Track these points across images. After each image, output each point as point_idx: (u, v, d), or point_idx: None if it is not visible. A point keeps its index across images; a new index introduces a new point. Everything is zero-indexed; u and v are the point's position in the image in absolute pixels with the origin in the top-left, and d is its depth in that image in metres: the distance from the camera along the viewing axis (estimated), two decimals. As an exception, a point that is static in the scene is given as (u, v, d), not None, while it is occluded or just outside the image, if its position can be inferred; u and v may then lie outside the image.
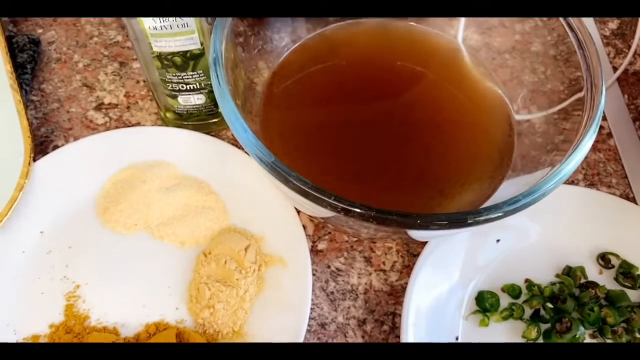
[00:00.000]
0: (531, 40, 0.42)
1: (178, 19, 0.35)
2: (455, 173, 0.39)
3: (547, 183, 0.30)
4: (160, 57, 0.38)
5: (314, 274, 0.41)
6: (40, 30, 0.51)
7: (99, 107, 0.48)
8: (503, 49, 0.44)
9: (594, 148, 0.48)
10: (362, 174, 0.39)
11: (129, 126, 0.47)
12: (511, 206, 0.29)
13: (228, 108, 0.31)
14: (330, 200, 0.28)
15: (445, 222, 0.28)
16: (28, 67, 0.48)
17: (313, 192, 0.29)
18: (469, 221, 0.28)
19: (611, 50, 0.54)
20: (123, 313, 0.38)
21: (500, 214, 0.29)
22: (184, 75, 0.39)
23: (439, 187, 0.39)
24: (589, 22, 0.55)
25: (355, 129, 0.41)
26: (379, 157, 0.40)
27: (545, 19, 0.40)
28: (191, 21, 0.35)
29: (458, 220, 0.28)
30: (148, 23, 0.35)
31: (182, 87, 0.40)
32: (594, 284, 0.40)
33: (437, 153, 0.40)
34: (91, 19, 0.52)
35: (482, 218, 0.29)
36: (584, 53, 0.36)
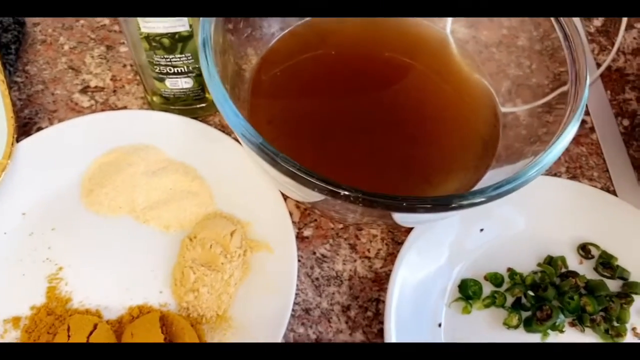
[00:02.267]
0: (517, 35, 0.43)
1: (167, -1, 0.35)
2: (441, 161, 0.40)
3: (530, 170, 0.31)
4: (148, 38, 0.37)
5: (299, 260, 0.41)
6: (25, 11, 0.50)
7: (84, 90, 0.47)
8: (490, 43, 0.44)
9: (577, 142, 0.49)
10: (349, 162, 0.39)
11: (115, 110, 0.46)
12: (495, 191, 0.30)
13: (216, 89, 0.31)
14: (318, 182, 0.28)
15: (430, 205, 0.28)
16: (12, 48, 0.47)
17: (301, 174, 0.29)
18: (453, 205, 0.29)
19: (595, 47, 0.55)
20: (106, 296, 0.38)
21: (483, 199, 0.30)
22: (172, 58, 0.39)
23: (425, 174, 0.39)
24: (574, 19, 0.56)
25: (343, 118, 0.41)
26: (365, 145, 0.40)
27: (532, 13, 0.40)
28: None
29: (442, 204, 0.29)
30: (137, 3, 0.35)
31: (170, 70, 0.40)
32: (574, 274, 0.41)
33: (423, 142, 0.41)
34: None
35: (466, 202, 0.29)
36: (570, 45, 0.37)
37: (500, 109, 0.42)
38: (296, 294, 0.40)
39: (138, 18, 0.36)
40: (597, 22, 0.56)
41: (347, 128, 0.41)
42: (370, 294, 0.41)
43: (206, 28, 0.33)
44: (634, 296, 0.40)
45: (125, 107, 0.47)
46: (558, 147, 0.32)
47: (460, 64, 0.44)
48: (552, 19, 0.38)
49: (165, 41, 0.37)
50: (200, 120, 0.44)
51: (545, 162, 0.31)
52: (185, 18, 0.36)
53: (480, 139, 0.40)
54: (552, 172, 0.47)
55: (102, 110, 0.46)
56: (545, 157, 0.31)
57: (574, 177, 0.47)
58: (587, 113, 0.50)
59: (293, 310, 0.39)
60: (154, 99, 0.44)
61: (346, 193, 0.28)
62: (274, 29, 0.44)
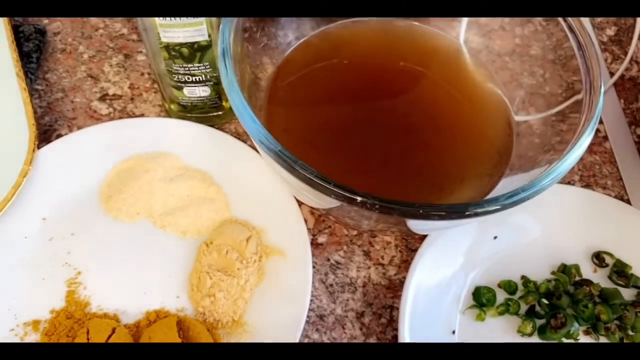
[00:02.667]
0: (530, 44, 0.43)
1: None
2: (455, 170, 0.40)
3: (544, 179, 0.31)
4: (167, 47, 0.38)
5: (313, 267, 0.41)
6: (46, 21, 0.52)
7: (103, 98, 0.48)
8: (503, 52, 0.45)
9: (591, 150, 0.49)
10: (364, 169, 0.40)
11: (132, 117, 0.47)
12: (509, 199, 0.30)
13: (236, 97, 0.32)
14: (335, 189, 0.29)
15: (445, 213, 0.29)
16: (33, 57, 0.48)
17: (318, 181, 0.29)
18: (468, 212, 0.29)
19: (608, 56, 0.55)
20: (124, 300, 0.39)
21: (498, 207, 0.30)
22: (191, 67, 0.40)
23: (439, 182, 0.40)
24: (586, 28, 0.56)
25: (357, 126, 0.42)
26: (380, 153, 0.40)
27: (544, 23, 0.41)
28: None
29: (458, 211, 0.29)
30: (157, 13, 0.36)
31: (188, 78, 0.41)
32: (588, 282, 0.41)
33: (437, 150, 0.41)
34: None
35: (481, 210, 0.29)
36: (584, 54, 0.37)
37: (514, 117, 0.42)
38: (310, 300, 0.40)
39: (158, 28, 0.37)
40: (610, 31, 0.56)
41: (361, 136, 0.41)
42: (384, 300, 0.41)
43: (225, 37, 0.34)
44: (650, 305, 0.40)
45: (142, 115, 0.47)
46: (573, 155, 0.32)
47: (474, 73, 0.45)
48: (565, 28, 0.38)
49: (185, 50, 0.38)
50: (217, 128, 0.45)
51: (560, 171, 0.31)
52: (204, 28, 0.37)
53: (493, 148, 0.41)
54: (565, 180, 0.47)
55: (120, 117, 0.47)
56: (560, 166, 0.31)
57: (587, 186, 0.47)
58: (600, 122, 0.51)
59: (308, 316, 0.39)
60: (172, 106, 0.45)
61: (362, 200, 0.29)
62: (290, 38, 0.44)
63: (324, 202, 0.34)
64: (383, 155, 0.40)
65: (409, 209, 0.29)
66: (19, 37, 0.48)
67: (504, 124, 0.42)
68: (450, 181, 0.39)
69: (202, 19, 0.36)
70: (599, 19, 0.57)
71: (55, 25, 0.52)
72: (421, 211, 0.29)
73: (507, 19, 0.44)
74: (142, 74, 0.50)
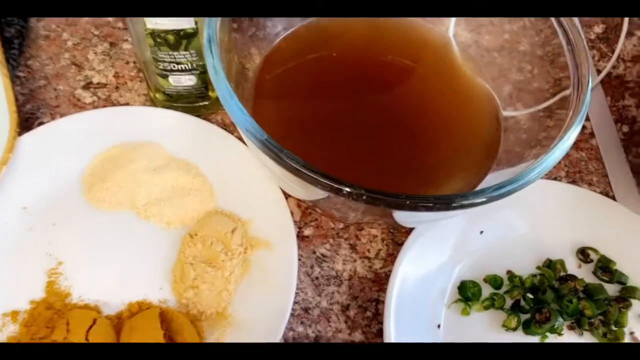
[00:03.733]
0: (519, 40, 0.43)
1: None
2: (442, 163, 0.40)
3: (531, 172, 0.31)
4: (153, 34, 0.37)
5: (299, 259, 0.41)
6: (29, 7, 0.51)
7: (87, 86, 0.47)
8: (492, 47, 0.45)
9: (577, 147, 0.49)
10: (351, 161, 0.40)
11: (117, 106, 0.46)
12: (496, 192, 0.30)
13: (222, 85, 0.31)
14: (321, 179, 0.29)
15: (432, 204, 0.29)
16: (15, 42, 0.47)
17: (305, 171, 0.29)
18: (454, 204, 0.29)
19: (596, 53, 0.55)
20: (105, 291, 0.38)
21: (484, 199, 0.30)
22: (177, 55, 0.39)
23: (426, 176, 0.39)
24: (576, 24, 0.56)
25: (345, 119, 0.41)
26: (367, 146, 0.40)
27: (533, 19, 0.41)
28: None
29: (444, 202, 0.29)
30: (143, -1, 0.35)
31: (174, 66, 0.40)
32: (573, 277, 0.41)
33: (425, 144, 0.41)
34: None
35: (467, 202, 0.29)
36: (573, 50, 0.37)
37: (502, 112, 0.42)
38: (296, 293, 0.40)
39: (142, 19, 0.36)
40: (598, 28, 0.57)
41: (349, 129, 0.41)
42: (370, 294, 0.41)
43: (212, 25, 0.33)
44: (632, 300, 0.40)
45: (127, 104, 0.47)
46: (559, 149, 0.32)
47: (463, 67, 0.45)
48: (555, 24, 0.38)
49: (170, 38, 0.38)
50: (203, 119, 0.44)
51: (546, 165, 0.31)
52: (190, 19, 0.36)
53: (481, 142, 0.40)
54: (552, 176, 0.47)
55: (104, 106, 0.46)
56: (546, 160, 0.31)
57: (573, 182, 0.47)
58: (587, 119, 0.51)
59: (292, 309, 0.38)
60: (157, 96, 0.44)
61: (349, 190, 0.28)
62: (278, 29, 0.44)
63: (310, 193, 0.34)
64: (370, 148, 0.40)
65: (395, 199, 0.28)
66: (0, 23, 0.47)
67: (492, 118, 0.42)
68: (437, 175, 0.39)
69: (189, 6, 0.36)
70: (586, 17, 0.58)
71: (39, 11, 0.51)
72: (408, 202, 0.29)
73: (497, 24, 0.43)
74: (128, 63, 0.49)
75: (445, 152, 0.40)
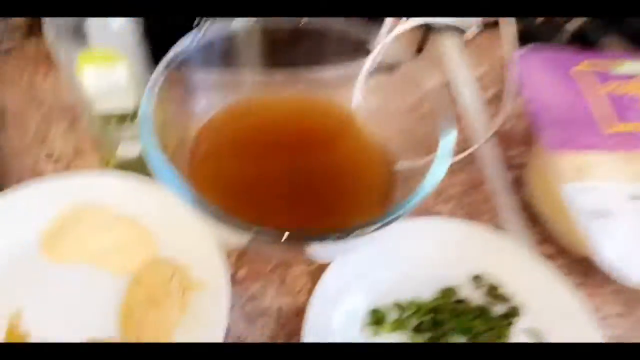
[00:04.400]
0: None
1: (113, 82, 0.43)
2: (348, 211, 0.48)
3: (399, 209, 0.39)
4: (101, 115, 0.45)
5: (233, 297, 0.47)
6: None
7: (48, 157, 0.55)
8: (388, 112, 0.53)
9: (475, 190, 0.58)
10: (273, 210, 0.47)
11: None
12: (376, 225, 0.38)
13: (154, 158, 0.39)
14: (240, 224, 0.36)
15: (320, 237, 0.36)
16: (-14, 124, 0.54)
17: (220, 217, 0.36)
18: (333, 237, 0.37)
19: (492, 110, 0.65)
20: (60, 333, 0.44)
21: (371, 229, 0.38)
22: (123, 128, 0.47)
23: (339, 220, 0.47)
24: (473, 88, 0.67)
25: (267, 176, 0.49)
26: (286, 197, 0.48)
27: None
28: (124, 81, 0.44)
29: (330, 236, 0.36)
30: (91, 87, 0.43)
31: (122, 138, 0.48)
32: (468, 300, 0.48)
33: (336, 195, 0.49)
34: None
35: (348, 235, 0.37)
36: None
37: (396, 164, 0.51)
38: (228, 328, 0.46)
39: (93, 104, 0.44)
40: (492, 90, 0.67)
41: (270, 184, 0.49)
42: (296, 325, 0.47)
43: (146, 106, 0.41)
44: (516, 318, 0.48)
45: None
46: (425, 188, 0.40)
47: (362, 129, 0.53)
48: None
49: (115, 118, 0.46)
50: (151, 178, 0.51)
51: (413, 204, 0.39)
52: (130, 102, 0.45)
53: (378, 190, 0.49)
54: (451, 214, 0.55)
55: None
56: (412, 200, 0.40)
57: (470, 219, 0.55)
58: (483, 167, 0.60)
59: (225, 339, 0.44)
60: (111, 162, 0.52)
61: (257, 229, 0.36)
62: (213, 102, 0.52)
63: (232, 237, 0.41)
64: (288, 199, 0.48)
65: (301, 234, 0.36)
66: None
67: (386, 170, 0.50)
68: (343, 221, 0.47)
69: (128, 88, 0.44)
70: (484, 81, 0.68)
71: (8, 96, 0.59)
72: (308, 236, 0.36)
73: (390, 94, 0.52)
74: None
75: (349, 202, 0.48)
